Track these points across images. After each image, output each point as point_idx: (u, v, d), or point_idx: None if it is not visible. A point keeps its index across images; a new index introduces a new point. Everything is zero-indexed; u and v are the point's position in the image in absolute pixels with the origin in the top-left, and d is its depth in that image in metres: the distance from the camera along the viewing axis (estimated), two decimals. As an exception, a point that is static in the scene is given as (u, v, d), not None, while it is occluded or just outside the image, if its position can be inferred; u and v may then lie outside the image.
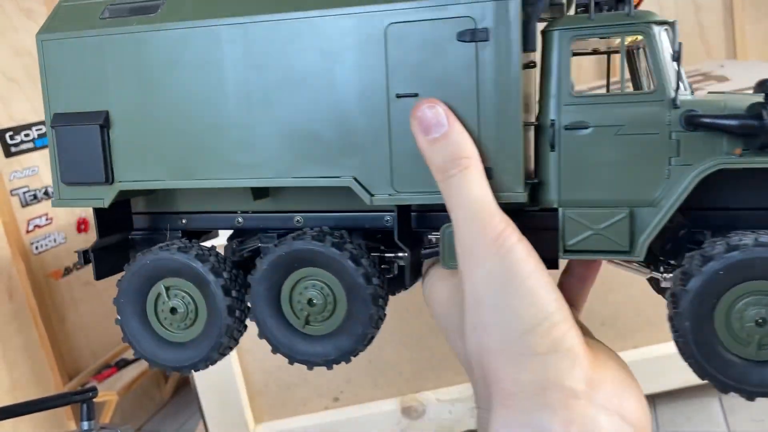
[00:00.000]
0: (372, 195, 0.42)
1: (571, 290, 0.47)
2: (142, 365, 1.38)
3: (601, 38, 0.41)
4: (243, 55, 0.43)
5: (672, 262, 0.43)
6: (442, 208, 0.40)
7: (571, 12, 0.44)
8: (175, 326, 0.46)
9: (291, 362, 0.46)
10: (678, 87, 0.39)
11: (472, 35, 0.39)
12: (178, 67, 0.44)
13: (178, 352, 0.46)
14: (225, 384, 1.12)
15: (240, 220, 0.48)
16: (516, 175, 0.40)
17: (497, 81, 0.39)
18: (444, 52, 0.40)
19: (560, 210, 0.41)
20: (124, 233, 0.51)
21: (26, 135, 1.34)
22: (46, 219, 1.35)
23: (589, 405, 0.33)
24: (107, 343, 1.44)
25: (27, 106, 1.35)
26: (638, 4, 0.41)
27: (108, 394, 1.25)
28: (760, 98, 0.38)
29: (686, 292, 0.37)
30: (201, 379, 1.12)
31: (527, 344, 0.34)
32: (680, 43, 0.40)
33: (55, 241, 1.36)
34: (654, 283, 0.46)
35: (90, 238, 1.44)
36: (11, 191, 1.29)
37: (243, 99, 0.43)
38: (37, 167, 1.35)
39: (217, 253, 0.47)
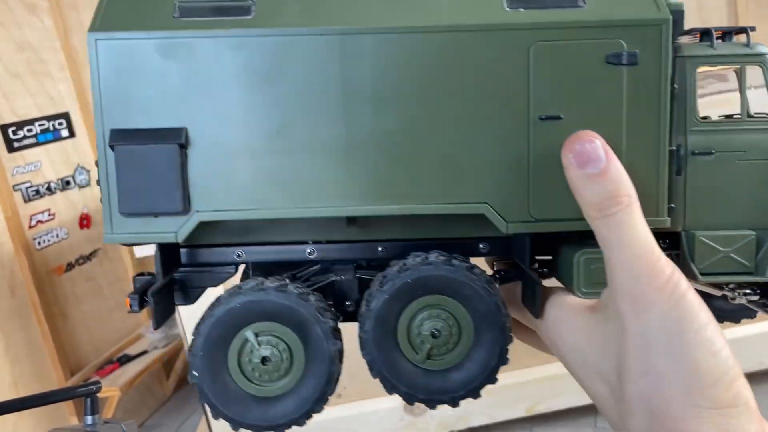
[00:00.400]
0: (507, 222, 0.39)
1: None
2: (145, 361, 1.38)
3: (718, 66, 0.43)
4: (370, 68, 0.38)
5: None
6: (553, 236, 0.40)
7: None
8: (266, 378, 0.40)
9: (411, 402, 0.41)
10: None
11: (622, 58, 0.38)
12: (283, 77, 0.39)
13: (269, 407, 0.40)
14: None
15: (310, 251, 0.43)
16: (662, 201, 0.40)
17: (646, 106, 0.38)
18: (590, 75, 0.38)
19: (683, 233, 0.42)
20: (173, 271, 0.43)
21: (29, 130, 1.34)
22: (49, 214, 1.35)
23: None
24: (109, 339, 1.44)
25: (29, 102, 1.35)
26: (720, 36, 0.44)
27: (110, 389, 1.25)
28: None
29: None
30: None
31: (711, 397, 0.33)
32: None
33: (57, 236, 1.36)
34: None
35: (92, 234, 1.44)
36: (14, 186, 1.29)
37: (365, 116, 0.39)
38: (40, 162, 1.35)
39: (313, 291, 0.41)
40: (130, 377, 1.30)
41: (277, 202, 0.39)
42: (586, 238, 0.39)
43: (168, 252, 0.41)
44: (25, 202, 1.31)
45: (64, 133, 1.43)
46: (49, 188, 1.36)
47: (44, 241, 1.32)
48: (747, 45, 0.41)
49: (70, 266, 1.37)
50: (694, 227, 0.42)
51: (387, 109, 0.39)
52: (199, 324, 0.39)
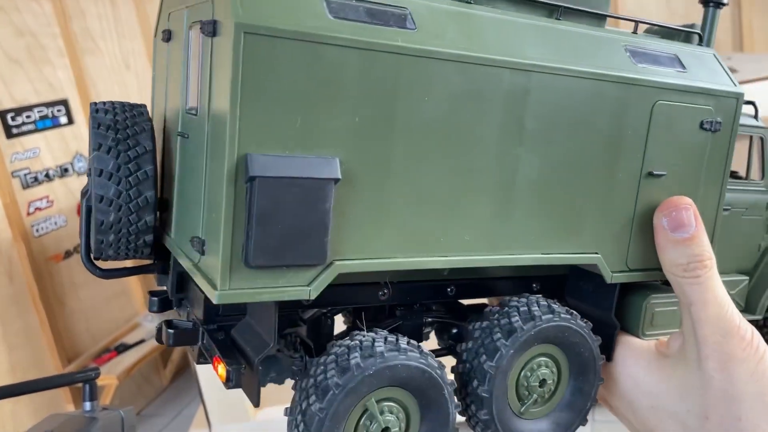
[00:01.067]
0: (612, 272, 0.39)
1: None
2: (143, 350, 1.37)
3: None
4: (537, 106, 0.35)
5: None
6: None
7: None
8: None
9: None
10: None
11: (712, 125, 0.40)
12: (453, 104, 0.33)
13: None
14: (226, 369, 1.11)
15: (385, 292, 0.37)
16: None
17: (716, 172, 0.41)
18: (689, 138, 0.40)
19: None
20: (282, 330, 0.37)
21: (27, 117, 1.33)
22: (47, 201, 1.34)
23: None
24: (107, 327, 1.43)
25: (29, 87, 1.34)
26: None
27: (108, 378, 1.25)
28: None
29: None
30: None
31: None
32: None
33: (55, 224, 1.35)
34: None
35: (91, 221, 1.43)
36: (12, 173, 1.28)
37: (522, 159, 0.35)
38: (39, 149, 1.34)
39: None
40: (127, 366, 1.30)
41: (423, 248, 0.34)
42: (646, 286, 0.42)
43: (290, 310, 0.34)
44: (24, 188, 1.30)
45: (63, 120, 1.42)
46: (47, 175, 1.36)
47: (42, 229, 1.32)
48: (755, 116, 0.47)
49: (68, 254, 1.37)
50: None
51: (537, 152, 0.36)
52: (319, 393, 0.32)
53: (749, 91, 1.01)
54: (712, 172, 0.41)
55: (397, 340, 0.34)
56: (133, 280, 1.52)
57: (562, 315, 0.38)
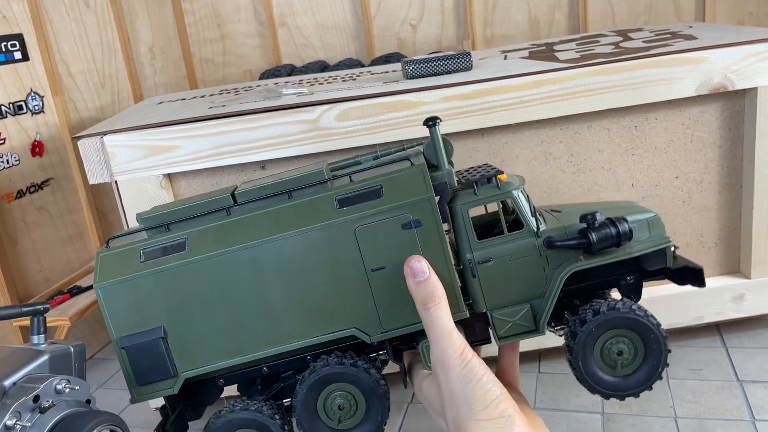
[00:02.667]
0: (370, 336, 0.62)
1: (508, 373, 0.72)
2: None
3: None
4: (263, 265, 0.61)
5: (556, 323, 0.70)
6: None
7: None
8: None
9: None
10: (538, 225, 0.63)
11: (411, 225, 0.60)
12: (215, 280, 0.61)
13: None
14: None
15: (266, 369, 0.66)
16: (459, 301, 0.62)
17: (435, 246, 0.60)
18: (395, 237, 0.60)
19: (489, 313, 0.64)
20: (180, 406, 0.68)
21: (-21, 49, 1.28)
22: (-1, 139, 1.30)
23: None
24: (60, 270, 1.41)
25: (-20, 19, 1.28)
26: (503, 178, 0.65)
27: (60, 319, 1.24)
28: (583, 225, 0.62)
29: (578, 337, 0.63)
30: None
31: (486, 414, 0.56)
32: (532, 205, 0.65)
33: (8, 162, 1.31)
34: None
35: (44, 162, 1.40)
36: (-38, 107, 1.24)
37: (265, 296, 0.61)
38: (-10, 84, 1.30)
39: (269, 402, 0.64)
40: (80, 308, 1.29)
41: (229, 355, 0.63)
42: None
43: (172, 398, 0.66)
44: (-26, 124, 1.26)
45: (17, 55, 1.38)
46: (0, 112, 1.31)
47: (-7, 166, 1.28)
48: (498, 187, 0.63)
49: (20, 193, 1.34)
50: (492, 308, 0.64)
51: (277, 288, 0.61)
52: None
53: (709, 57, 1.04)
54: (431, 247, 0.60)
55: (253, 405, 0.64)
56: (90, 224, 1.50)
57: (336, 365, 0.64)
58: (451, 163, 0.65)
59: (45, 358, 0.66)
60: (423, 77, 1.02)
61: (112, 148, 0.93)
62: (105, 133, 0.93)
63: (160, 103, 1.21)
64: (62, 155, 1.45)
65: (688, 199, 1.03)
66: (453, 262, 0.61)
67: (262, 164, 0.97)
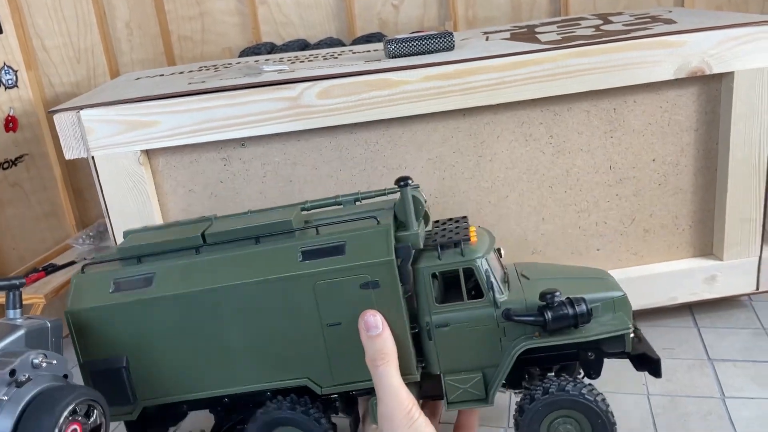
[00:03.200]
0: (321, 387, 0.64)
1: (471, 417, 0.73)
2: (72, 271, 1.35)
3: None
4: (224, 308, 0.63)
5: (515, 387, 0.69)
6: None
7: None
8: None
9: None
10: (499, 294, 0.63)
11: (369, 286, 0.61)
12: (176, 317, 0.64)
13: None
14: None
15: (227, 399, 0.68)
16: (411, 363, 0.63)
17: (392, 308, 0.61)
18: (353, 296, 0.61)
19: (442, 377, 0.65)
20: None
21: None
22: (-29, 113, 1.27)
23: None
24: (35, 248, 1.40)
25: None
26: (473, 238, 0.65)
27: (35, 297, 1.22)
28: (542, 303, 0.61)
29: (524, 414, 0.64)
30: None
31: None
32: (501, 268, 0.66)
33: (-20, 137, 1.29)
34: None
35: (18, 138, 1.37)
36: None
37: (223, 338, 0.64)
38: (-38, 57, 1.27)
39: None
40: (55, 286, 1.27)
41: (184, 390, 0.66)
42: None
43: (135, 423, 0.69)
44: (-55, 97, 1.23)
45: (-10, 28, 1.34)
46: (-29, 85, 1.28)
47: (-34, 141, 1.25)
48: (462, 254, 0.63)
49: (-7, 169, 1.31)
50: (446, 372, 0.65)
51: (232, 331, 0.64)
52: None
53: (687, 41, 1.04)
54: (388, 308, 0.61)
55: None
56: (65, 202, 1.47)
57: (288, 410, 0.66)
58: (426, 217, 0.67)
59: (21, 332, 0.66)
60: (405, 56, 1.02)
61: (88, 123, 0.91)
62: (82, 108, 0.92)
63: (138, 78, 1.19)
64: (36, 131, 1.42)
65: (665, 181, 1.05)
66: (408, 325, 0.62)
67: (243, 142, 0.96)
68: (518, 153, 1.01)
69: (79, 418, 0.57)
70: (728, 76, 0.98)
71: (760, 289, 1.07)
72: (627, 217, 1.05)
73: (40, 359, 0.60)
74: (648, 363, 0.65)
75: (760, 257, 1.06)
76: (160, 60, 1.79)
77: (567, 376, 0.63)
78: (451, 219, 0.72)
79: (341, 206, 0.72)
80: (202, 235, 0.66)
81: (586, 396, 0.61)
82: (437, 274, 0.64)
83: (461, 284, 0.63)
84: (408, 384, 0.62)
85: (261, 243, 0.64)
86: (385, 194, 0.70)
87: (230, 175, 0.98)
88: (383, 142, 0.98)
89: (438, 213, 1.01)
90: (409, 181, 0.63)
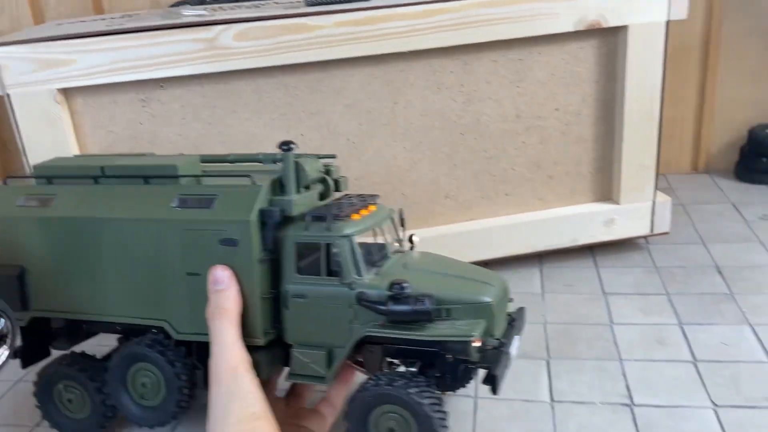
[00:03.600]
0: (177, 332, 0.67)
1: (325, 402, 0.74)
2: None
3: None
4: (102, 239, 0.67)
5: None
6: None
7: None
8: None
9: (129, 420, 0.70)
10: (352, 278, 0.62)
11: (227, 242, 0.62)
12: (65, 239, 0.68)
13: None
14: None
15: (119, 327, 0.72)
16: (258, 328, 0.64)
17: (244, 270, 0.63)
18: (213, 250, 0.63)
19: (292, 347, 0.65)
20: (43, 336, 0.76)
21: None
22: None
23: None
24: None
25: None
26: (355, 217, 0.64)
27: None
28: (389, 293, 0.60)
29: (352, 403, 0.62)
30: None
31: (237, 427, 0.56)
32: (377, 250, 0.67)
33: None
34: None
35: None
36: None
37: (99, 267, 0.67)
38: None
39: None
40: None
41: (69, 308, 0.70)
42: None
43: (29, 328, 0.73)
44: None
45: None
46: None
47: None
48: (328, 228, 0.62)
49: None
50: (295, 343, 0.65)
51: (114, 263, 0.67)
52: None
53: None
54: (242, 268, 0.63)
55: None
56: None
57: (147, 347, 0.68)
58: (307, 187, 0.65)
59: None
60: (323, 5, 1.05)
61: (4, 60, 0.92)
62: (-4, 45, 0.92)
63: (60, 24, 1.19)
64: (-44, 80, 1.39)
65: (567, 130, 1.12)
66: (264, 289, 0.63)
67: (161, 84, 0.98)
68: (431, 100, 1.06)
69: (-15, 326, 0.61)
70: (623, 29, 1.05)
71: (654, 232, 1.16)
72: (533, 164, 1.12)
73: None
74: (488, 376, 0.60)
75: (653, 202, 1.14)
76: (89, 14, 1.77)
77: (405, 373, 0.61)
78: (361, 195, 0.71)
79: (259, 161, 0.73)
80: (101, 167, 0.69)
81: (412, 395, 0.57)
82: (300, 243, 0.63)
83: (320, 259, 0.62)
84: (257, 348, 0.63)
85: (150, 184, 0.67)
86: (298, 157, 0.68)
87: (149, 117, 1.00)
88: (302, 87, 1.02)
89: (355, 158, 1.05)
90: (292, 146, 0.62)
